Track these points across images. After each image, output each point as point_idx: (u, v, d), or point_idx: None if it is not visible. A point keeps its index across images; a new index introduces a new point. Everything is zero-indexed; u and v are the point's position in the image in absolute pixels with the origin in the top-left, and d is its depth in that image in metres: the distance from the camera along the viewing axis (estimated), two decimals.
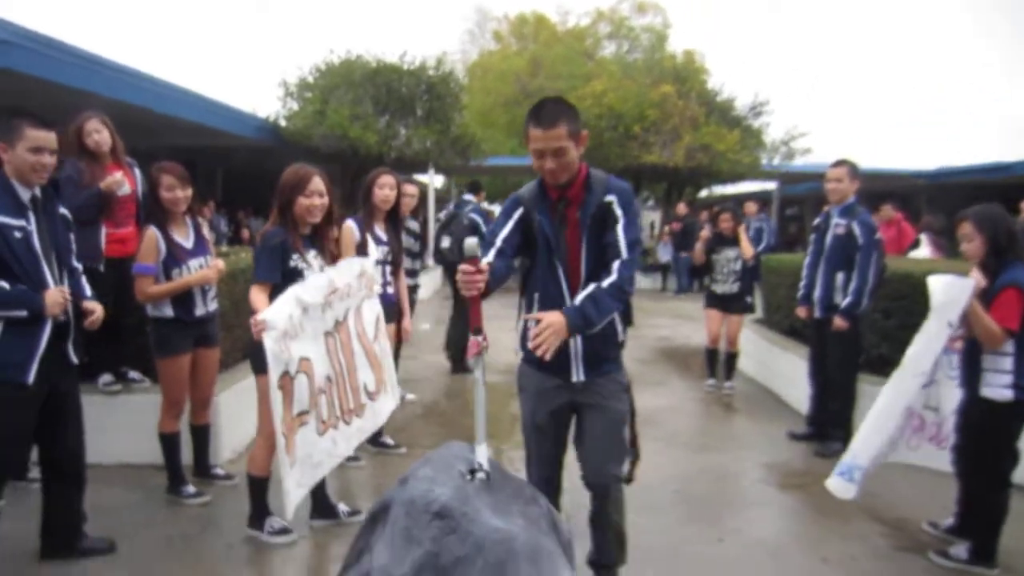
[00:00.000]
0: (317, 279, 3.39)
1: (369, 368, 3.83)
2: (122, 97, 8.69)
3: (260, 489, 3.65)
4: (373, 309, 3.94)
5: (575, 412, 2.97)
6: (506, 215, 2.89)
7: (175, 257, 3.93)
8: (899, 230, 9.42)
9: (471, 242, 2.43)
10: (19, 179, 3.14)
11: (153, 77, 10.17)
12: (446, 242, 7.37)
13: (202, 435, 4.38)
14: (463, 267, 2.44)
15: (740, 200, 12.08)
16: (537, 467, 3.06)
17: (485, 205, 8.41)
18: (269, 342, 3.03)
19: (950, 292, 3.43)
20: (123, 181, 4.39)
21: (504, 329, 11.02)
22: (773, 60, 58.34)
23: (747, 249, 6.84)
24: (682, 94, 16.64)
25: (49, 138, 3.18)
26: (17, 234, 3.09)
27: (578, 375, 2.85)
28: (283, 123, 13.71)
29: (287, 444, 3.13)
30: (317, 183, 3.52)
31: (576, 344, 2.81)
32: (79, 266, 3.53)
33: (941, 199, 23.08)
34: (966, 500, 3.73)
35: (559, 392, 2.91)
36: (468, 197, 8.31)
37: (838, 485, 3.61)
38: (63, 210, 3.42)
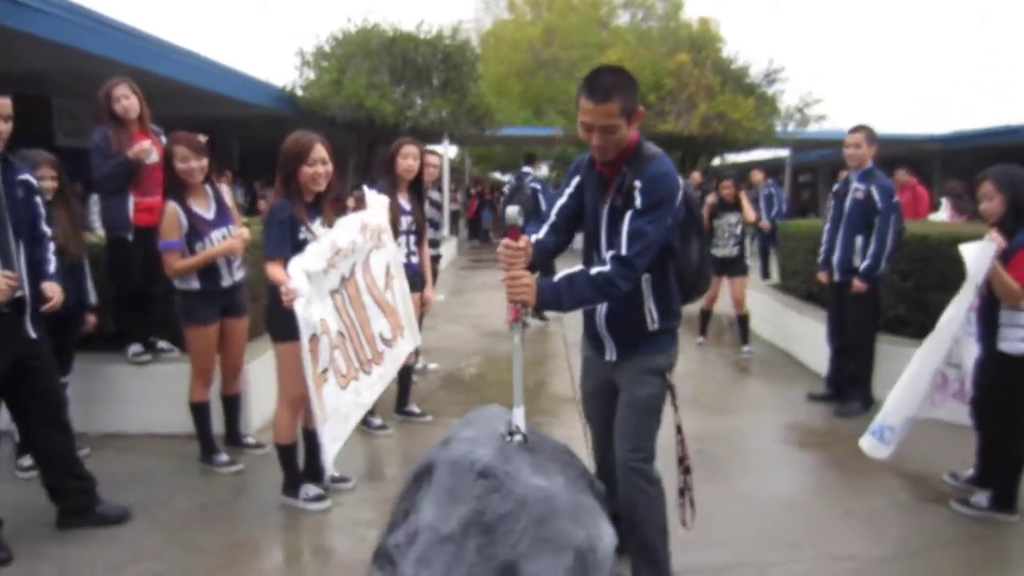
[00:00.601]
0: (316, 246, 3.40)
1: (383, 316, 3.89)
2: (141, 64, 8.65)
3: (290, 457, 3.73)
4: (382, 258, 3.97)
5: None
6: (567, 180, 2.78)
7: (197, 230, 3.92)
8: (914, 194, 9.47)
9: (512, 211, 2.39)
10: None
11: (170, 43, 10.11)
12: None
13: (233, 405, 4.44)
14: (504, 242, 2.39)
15: (749, 168, 12.03)
16: (591, 439, 3.03)
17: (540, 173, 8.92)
18: (300, 309, 3.10)
19: (980, 258, 3.49)
20: (151, 149, 4.41)
21: None
22: (788, 25, 57.51)
23: (749, 213, 7.08)
24: (697, 63, 16.46)
25: (3, 104, 3.07)
26: None
27: (610, 354, 2.75)
28: (299, 92, 13.69)
29: (318, 402, 3.23)
30: (319, 150, 3.50)
31: (600, 325, 2.72)
32: (47, 230, 3.45)
33: (954, 163, 22.93)
34: (985, 451, 3.82)
35: (600, 367, 2.84)
36: (526, 169, 8.85)
37: (870, 444, 3.69)
38: (25, 176, 3.33)
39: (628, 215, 2.47)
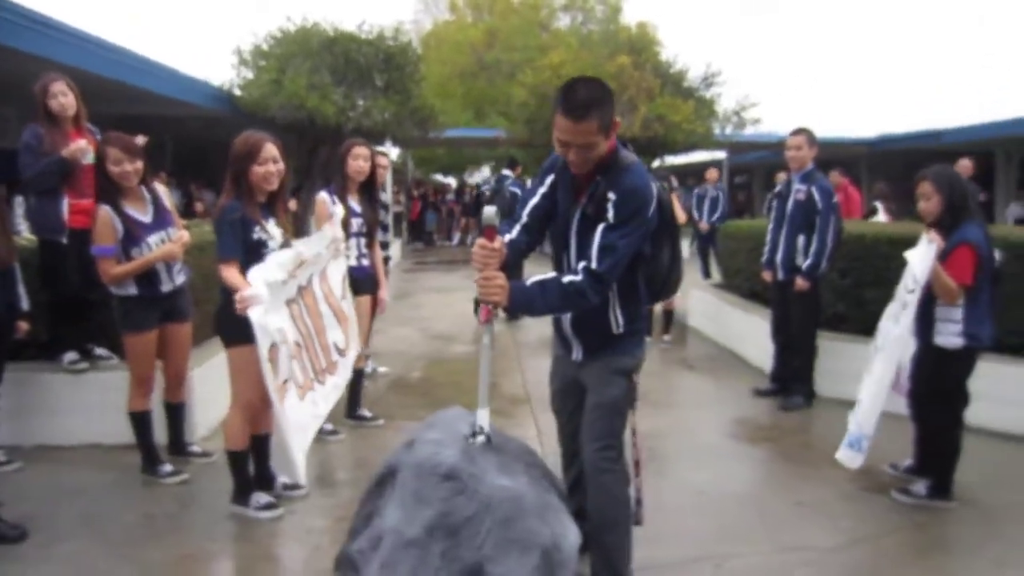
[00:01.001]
0: (281, 256, 3.36)
1: (338, 326, 3.89)
2: (71, 62, 8.27)
3: (241, 464, 3.62)
4: (339, 269, 3.99)
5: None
6: (541, 178, 2.75)
7: (132, 235, 3.77)
8: (846, 195, 9.87)
9: (489, 211, 2.39)
10: None
11: (101, 40, 9.74)
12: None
13: (177, 413, 4.30)
14: (479, 242, 2.38)
15: (684, 171, 12.22)
16: (559, 435, 3.05)
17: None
18: (256, 316, 3.03)
19: (924, 260, 3.60)
20: (88, 149, 4.24)
21: (471, 301, 10.98)
22: (724, 30, 58.85)
23: (680, 215, 7.28)
24: (638, 65, 16.66)
25: None
26: None
27: (577, 354, 2.78)
28: (237, 92, 13.38)
29: (282, 412, 3.20)
30: (270, 149, 3.44)
31: (567, 327, 2.75)
32: None
33: (881, 165, 23.89)
34: (923, 442, 3.97)
35: (567, 365, 2.87)
36: (507, 172, 9.51)
37: (848, 456, 3.76)
38: None
39: (601, 228, 2.46)
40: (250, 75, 13.62)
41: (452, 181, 34.01)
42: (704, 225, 11.00)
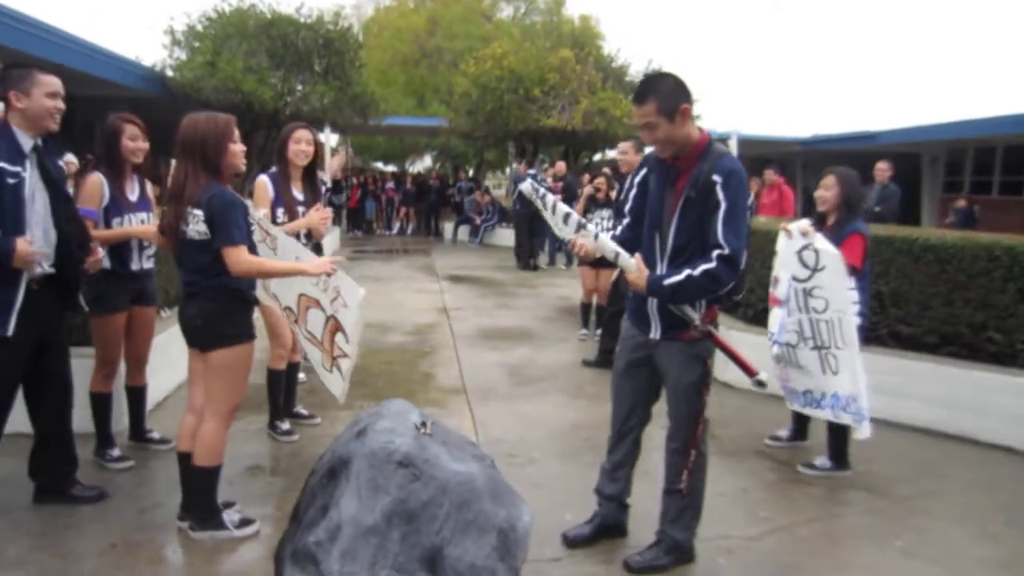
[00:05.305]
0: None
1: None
2: None
3: (213, 482, 3.27)
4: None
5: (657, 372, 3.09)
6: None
7: (119, 205, 3.83)
8: (780, 193, 10.13)
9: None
10: (30, 127, 3.15)
11: (25, 15, 9.38)
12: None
13: (138, 397, 4.27)
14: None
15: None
16: (612, 413, 3.26)
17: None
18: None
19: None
20: None
21: (409, 290, 11.00)
22: (667, 26, 59.66)
23: None
24: (580, 59, 16.82)
25: (59, 83, 3.24)
26: (11, 180, 3.06)
27: (655, 332, 2.98)
28: (170, 73, 13.02)
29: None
30: (234, 129, 3.20)
31: (652, 303, 2.95)
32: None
33: (815, 163, 24.66)
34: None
35: (639, 346, 3.07)
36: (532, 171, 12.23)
37: (866, 428, 3.93)
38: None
39: (721, 215, 2.71)
40: (183, 56, 13.28)
41: (392, 168, 33.70)
42: None
